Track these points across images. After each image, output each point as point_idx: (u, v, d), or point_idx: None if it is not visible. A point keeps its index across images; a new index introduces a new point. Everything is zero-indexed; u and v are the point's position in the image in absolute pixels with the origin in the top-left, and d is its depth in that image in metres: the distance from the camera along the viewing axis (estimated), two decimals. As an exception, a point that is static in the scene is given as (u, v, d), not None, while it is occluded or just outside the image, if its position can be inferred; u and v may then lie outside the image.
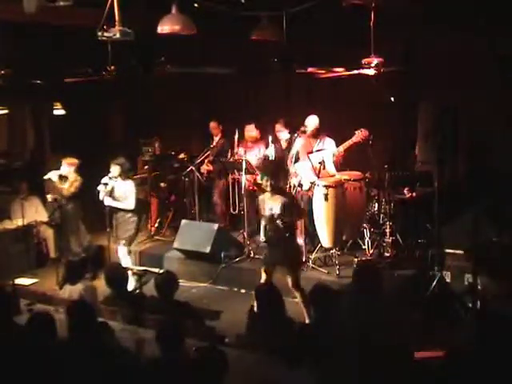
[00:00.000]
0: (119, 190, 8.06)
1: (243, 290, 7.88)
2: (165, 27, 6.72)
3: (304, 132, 8.28)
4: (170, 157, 9.91)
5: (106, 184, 7.95)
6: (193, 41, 7.49)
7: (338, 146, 8.19)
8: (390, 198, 8.09)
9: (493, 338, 4.14)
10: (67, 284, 6.25)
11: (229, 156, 9.26)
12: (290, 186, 8.05)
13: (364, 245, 8.02)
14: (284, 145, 8.79)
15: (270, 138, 8.70)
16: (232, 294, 7.93)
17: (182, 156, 9.80)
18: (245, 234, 8.48)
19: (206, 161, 9.56)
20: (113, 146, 9.88)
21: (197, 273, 8.30)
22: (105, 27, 5.69)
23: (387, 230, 7.93)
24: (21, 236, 8.93)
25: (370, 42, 7.35)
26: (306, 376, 4.25)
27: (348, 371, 4.22)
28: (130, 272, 6.57)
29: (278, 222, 6.50)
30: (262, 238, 6.94)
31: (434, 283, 6.87)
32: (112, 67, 6.84)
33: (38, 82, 8.45)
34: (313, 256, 7.82)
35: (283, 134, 8.78)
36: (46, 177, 8.57)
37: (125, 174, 8.08)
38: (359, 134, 7.95)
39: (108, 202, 8.03)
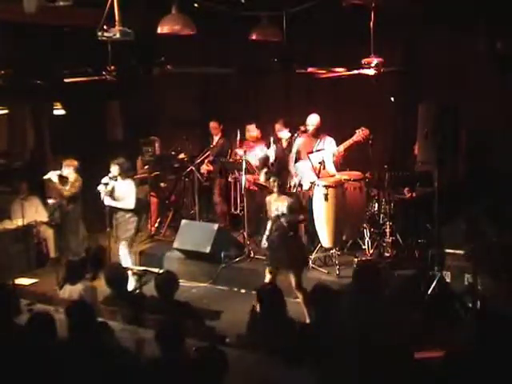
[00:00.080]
0: (119, 190, 8.06)
1: (243, 290, 7.88)
2: (165, 27, 6.73)
3: (305, 131, 8.28)
4: (170, 157, 9.90)
5: (106, 184, 7.95)
6: (193, 41, 7.50)
7: (338, 145, 8.20)
8: (390, 198, 8.09)
9: (493, 338, 4.14)
10: (67, 284, 6.24)
11: (229, 156, 9.27)
12: (290, 186, 8.06)
13: (364, 245, 8.02)
14: (285, 144, 8.79)
15: (272, 139, 8.70)
16: (232, 294, 7.93)
17: (182, 156, 9.80)
18: (245, 234, 8.47)
19: (206, 161, 9.56)
20: (113, 146, 9.87)
21: (197, 273, 8.30)
22: (105, 27, 5.70)
23: (387, 230, 7.94)
24: (21, 236, 8.92)
25: (370, 42, 7.36)
26: (306, 376, 4.25)
27: (348, 371, 4.22)
28: (130, 272, 6.58)
29: (282, 219, 6.50)
30: (263, 242, 6.93)
31: (434, 283, 6.87)
32: (112, 67, 6.83)
33: (38, 81, 8.44)
34: (313, 256, 7.82)
35: (284, 133, 8.77)
36: (45, 177, 8.56)
37: (124, 174, 8.08)
38: (360, 133, 7.95)
39: (108, 201, 8.03)
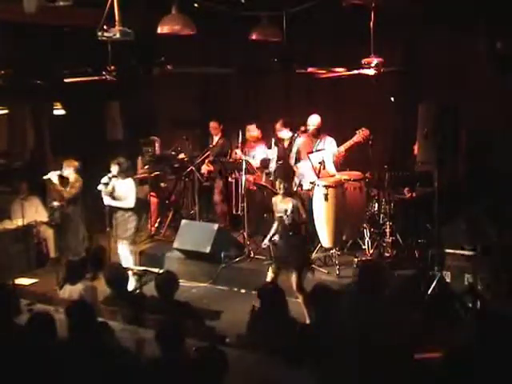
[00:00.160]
0: (119, 190, 8.06)
1: (243, 290, 7.88)
2: (165, 27, 6.73)
3: (305, 131, 8.28)
4: (169, 157, 9.90)
5: (106, 184, 7.95)
6: (193, 41, 7.50)
7: (338, 145, 8.20)
8: (390, 198, 8.09)
9: (493, 338, 4.14)
10: (67, 284, 6.24)
11: (229, 156, 9.27)
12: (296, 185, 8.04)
13: (364, 245, 8.02)
14: (286, 144, 8.77)
15: (273, 140, 8.70)
16: (232, 294, 7.93)
17: (182, 156, 9.80)
18: (245, 234, 8.47)
19: (206, 161, 9.56)
20: (113, 146, 9.87)
21: (197, 273, 8.30)
22: (105, 27, 5.70)
23: (387, 230, 7.93)
24: (21, 236, 8.92)
25: (370, 42, 7.36)
26: (306, 376, 4.25)
27: (348, 371, 4.22)
28: (130, 272, 6.57)
29: (284, 218, 6.50)
30: (264, 242, 6.93)
31: (434, 283, 6.87)
32: (112, 67, 6.83)
33: (38, 81, 8.44)
34: (313, 256, 7.82)
35: (285, 133, 8.75)
36: (45, 177, 8.55)
37: (124, 174, 8.08)
38: (360, 134, 7.96)
39: (107, 201, 8.03)
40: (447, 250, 7.17)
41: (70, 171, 8.49)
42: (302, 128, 8.35)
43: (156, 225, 9.75)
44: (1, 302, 4.98)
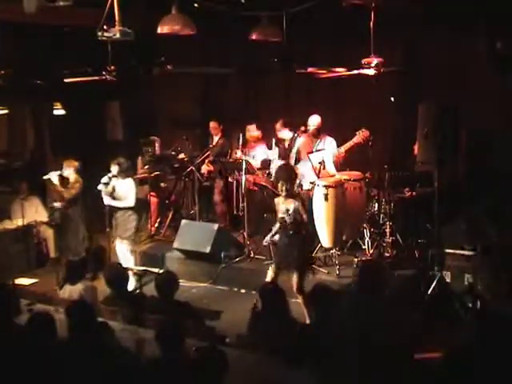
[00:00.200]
0: (119, 189, 8.06)
1: (243, 290, 7.88)
2: (165, 27, 6.74)
3: (305, 131, 8.28)
4: (169, 157, 9.91)
5: (106, 184, 7.96)
6: (193, 41, 7.50)
7: (338, 145, 8.21)
8: (390, 198, 8.09)
9: (493, 338, 4.14)
10: (67, 284, 6.24)
11: (229, 156, 9.27)
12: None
13: (364, 245, 8.02)
14: (287, 144, 8.77)
15: (274, 141, 8.70)
16: (232, 294, 7.93)
17: (182, 156, 9.80)
18: (245, 234, 8.47)
19: (206, 161, 9.56)
20: (113, 146, 9.88)
21: (197, 273, 8.30)
22: (105, 27, 5.70)
23: (387, 230, 7.93)
24: (21, 236, 8.92)
25: (370, 42, 7.36)
26: (306, 376, 4.25)
27: (348, 371, 4.22)
28: (130, 272, 6.57)
29: (286, 218, 6.50)
30: (265, 240, 6.92)
31: (434, 283, 6.87)
32: (112, 67, 6.84)
33: (38, 81, 8.44)
34: (313, 256, 7.81)
35: (285, 134, 8.75)
36: (45, 177, 8.56)
37: (124, 173, 8.08)
38: (360, 135, 7.96)
39: (107, 201, 8.04)
40: (447, 250, 7.16)
41: (70, 171, 8.49)
42: (302, 128, 8.35)
43: (156, 225, 9.74)
44: (1, 301, 4.98)
